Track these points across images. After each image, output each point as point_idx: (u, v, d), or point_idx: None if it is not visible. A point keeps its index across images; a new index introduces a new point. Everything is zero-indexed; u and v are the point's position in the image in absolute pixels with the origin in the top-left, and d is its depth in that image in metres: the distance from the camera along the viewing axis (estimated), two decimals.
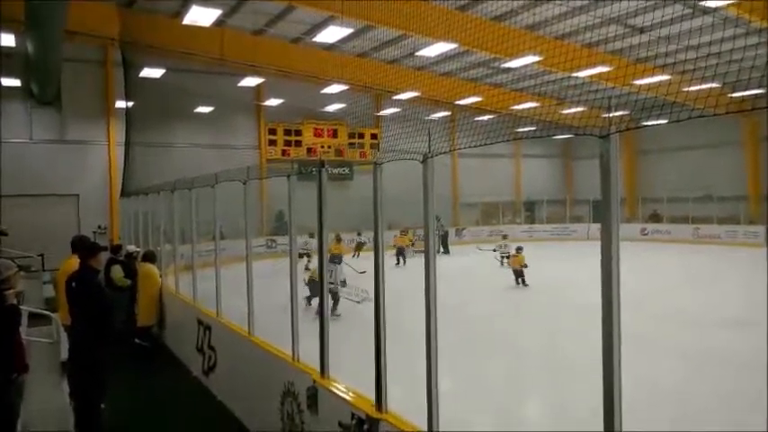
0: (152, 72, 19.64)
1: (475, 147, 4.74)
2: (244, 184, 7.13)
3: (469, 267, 19.85)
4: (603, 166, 3.22)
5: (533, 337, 9.79)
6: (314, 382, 5.21)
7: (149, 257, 10.67)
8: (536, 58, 19.51)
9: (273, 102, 25.35)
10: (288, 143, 27.22)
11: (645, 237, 28.82)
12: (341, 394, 4.85)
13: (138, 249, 11.85)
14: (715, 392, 6.94)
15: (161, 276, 10.75)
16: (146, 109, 19.50)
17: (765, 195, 21.18)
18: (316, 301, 11.14)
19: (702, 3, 15.25)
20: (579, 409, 6.05)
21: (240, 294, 7.07)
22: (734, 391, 6.88)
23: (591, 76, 21.76)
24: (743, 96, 4.06)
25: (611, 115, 20.27)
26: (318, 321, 5.32)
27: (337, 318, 10.34)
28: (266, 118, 26.76)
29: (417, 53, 20.78)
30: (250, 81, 22.68)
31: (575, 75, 22.36)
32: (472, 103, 26.02)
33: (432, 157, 4.39)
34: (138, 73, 18.76)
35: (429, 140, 4.50)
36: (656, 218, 30.63)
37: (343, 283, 11.58)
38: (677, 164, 31.07)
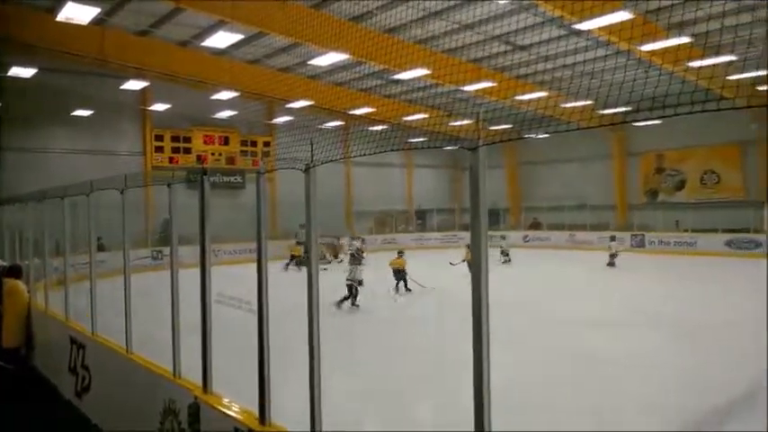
0: (21, 71, 18.09)
1: (360, 156, 4.81)
2: (121, 193, 6.75)
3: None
4: (472, 177, 3.38)
5: (413, 339, 10.00)
6: (195, 398, 5.02)
7: (14, 272, 9.76)
8: (426, 72, 20.17)
9: (160, 107, 24.23)
10: (176, 150, 26.08)
11: (527, 243, 30.60)
12: (223, 409, 4.71)
13: (3, 264, 10.81)
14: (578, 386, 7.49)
15: (29, 293, 9.87)
16: (15, 111, 17.90)
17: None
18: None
19: (575, 25, 16.51)
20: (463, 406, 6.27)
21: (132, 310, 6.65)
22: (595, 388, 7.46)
23: (477, 91, 22.88)
24: (613, 113, 4.45)
25: (494, 128, 21.38)
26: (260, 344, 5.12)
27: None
28: (153, 123, 25.50)
29: (310, 62, 20.77)
30: (134, 84, 21.49)
31: (462, 88, 23.41)
32: (365, 114, 26.39)
33: (314, 166, 4.40)
34: (6, 72, 17.20)
35: (312, 150, 4.51)
36: (536, 225, 32.66)
37: (360, 283, 13.33)
38: (556, 175, 33.39)
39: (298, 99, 25.61)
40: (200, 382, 5.22)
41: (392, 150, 4.37)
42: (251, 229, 5.15)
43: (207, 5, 16.41)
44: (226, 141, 27.75)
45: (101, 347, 7.10)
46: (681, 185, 29.28)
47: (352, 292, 13.25)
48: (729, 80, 16.80)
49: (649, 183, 30.48)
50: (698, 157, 28.47)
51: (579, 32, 17.89)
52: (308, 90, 24.67)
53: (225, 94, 23.33)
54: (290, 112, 27.50)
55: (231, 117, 26.44)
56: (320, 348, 4.18)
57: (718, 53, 16.96)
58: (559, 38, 19.23)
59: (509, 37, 19.65)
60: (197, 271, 5.37)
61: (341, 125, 27.31)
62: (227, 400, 4.98)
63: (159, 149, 25.62)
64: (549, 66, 21.68)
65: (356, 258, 14.14)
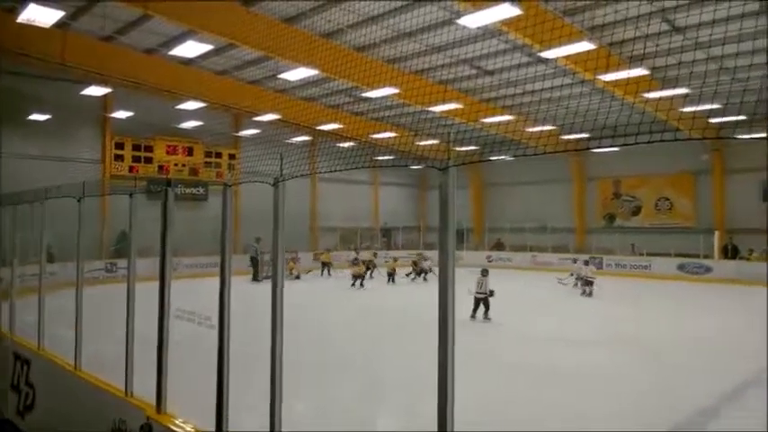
0: None
1: (330, 172, 4.77)
2: (78, 201, 6.52)
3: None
4: (442, 197, 3.40)
5: (380, 354, 9.93)
6: (148, 418, 4.83)
7: None
8: (394, 91, 20.34)
9: (122, 114, 23.70)
10: (137, 159, 25.47)
11: (490, 263, 30.86)
12: (178, 430, 4.55)
13: None
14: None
15: None
16: None
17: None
18: None
19: (540, 53, 16.93)
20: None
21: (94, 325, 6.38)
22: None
23: (444, 112, 23.18)
24: (578, 138, 4.52)
25: (461, 149, 21.60)
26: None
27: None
28: (113, 131, 24.90)
29: (280, 76, 20.69)
30: (96, 90, 20.96)
31: (430, 109, 23.68)
32: (333, 129, 26.40)
33: (283, 180, 4.35)
34: None
35: (281, 164, 4.46)
36: (499, 246, 33.04)
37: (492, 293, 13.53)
38: (518, 197, 33.98)
39: (266, 112, 25.45)
40: (153, 401, 5.04)
41: (362, 168, 4.35)
42: (212, 243, 5.04)
43: (177, 14, 16.20)
44: (189, 152, 27.28)
45: (47, 364, 6.80)
46: (637, 211, 30.14)
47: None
48: (684, 112, 17.42)
49: (607, 207, 31.29)
50: (653, 184, 29.40)
51: (544, 60, 18.35)
52: (276, 104, 24.53)
53: (191, 104, 23.00)
54: (258, 125, 27.28)
55: (196, 128, 26.06)
56: (282, 358, 4.21)
57: (675, 86, 17.63)
58: (526, 65, 19.69)
59: (477, 61, 20.00)
60: (153, 284, 5.20)
61: (309, 140, 27.21)
62: (181, 420, 4.81)
63: (119, 158, 24.99)
64: (515, 91, 22.14)
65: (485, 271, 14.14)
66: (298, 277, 23.73)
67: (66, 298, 6.95)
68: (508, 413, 6.97)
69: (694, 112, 18.69)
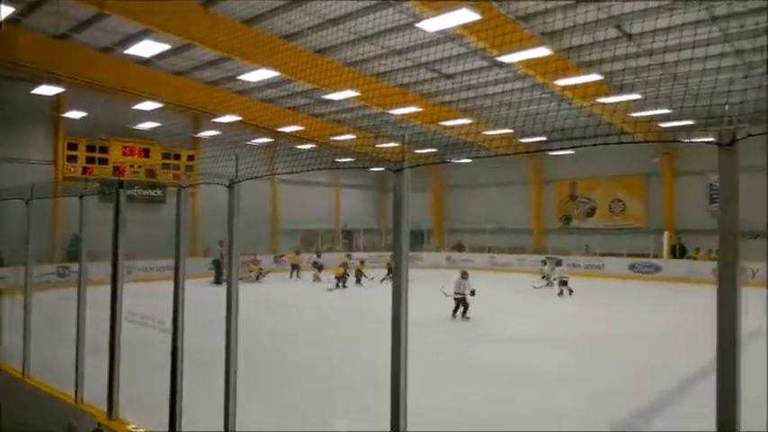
0: None
1: (286, 173, 4.79)
2: (27, 203, 6.35)
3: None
4: (396, 198, 3.46)
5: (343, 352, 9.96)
6: (99, 424, 4.75)
7: None
8: (354, 93, 20.38)
9: (75, 114, 23.03)
10: (91, 160, 24.79)
11: (450, 264, 31.23)
12: None
13: None
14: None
15: None
16: None
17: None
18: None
19: (497, 58, 17.25)
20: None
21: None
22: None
23: (403, 115, 23.36)
24: (534, 142, 4.66)
25: (420, 151, 21.81)
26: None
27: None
28: (66, 131, 24.18)
29: (239, 77, 20.48)
30: (47, 89, 20.29)
31: (389, 112, 23.82)
32: (293, 131, 26.26)
33: (238, 182, 4.35)
34: None
35: (236, 165, 4.46)
36: (459, 247, 33.45)
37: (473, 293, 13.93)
38: (477, 199, 34.49)
39: (225, 113, 25.13)
40: (104, 406, 4.96)
41: (317, 169, 4.38)
42: (170, 246, 5.00)
43: (132, 13, 15.87)
44: (146, 153, 26.71)
45: None
46: (591, 212, 30.98)
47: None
48: (633, 116, 18.05)
49: (563, 209, 32.05)
50: (606, 186, 30.29)
51: (501, 65, 18.70)
52: (235, 105, 24.27)
53: (147, 105, 22.53)
54: (217, 126, 26.91)
55: (153, 129, 25.54)
56: (237, 359, 4.23)
57: (628, 91, 18.24)
58: (484, 69, 20.02)
59: (435, 65, 20.24)
60: (107, 288, 5.12)
61: (269, 142, 26.98)
62: (133, 425, 4.75)
63: (72, 159, 24.27)
64: (473, 94, 22.48)
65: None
66: (258, 278, 23.55)
67: (18, 303, 6.76)
68: (483, 413, 7.07)
69: (650, 116, 19.43)
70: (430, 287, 13.36)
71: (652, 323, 14.21)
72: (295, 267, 25.65)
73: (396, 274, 3.53)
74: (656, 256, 25.90)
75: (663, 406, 7.32)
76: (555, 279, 19.50)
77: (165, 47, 17.60)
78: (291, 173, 4.41)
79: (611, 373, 9.10)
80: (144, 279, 18.44)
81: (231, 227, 4.45)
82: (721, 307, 2.66)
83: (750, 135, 2.56)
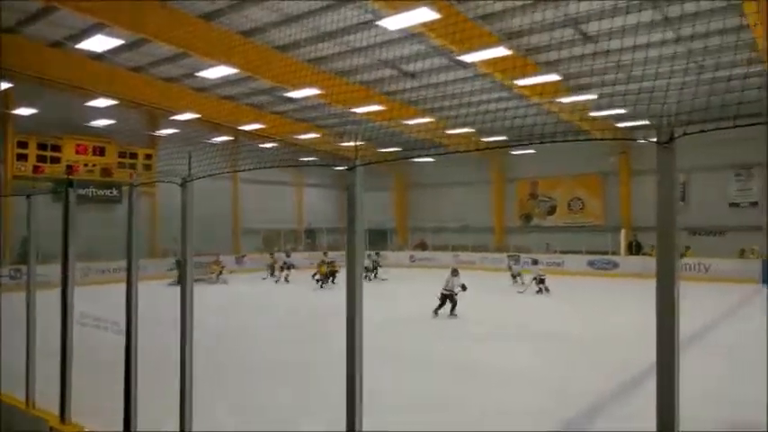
0: None
1: (240, 171, 4.75)
2: None
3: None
4: (350, 196, 3.47)
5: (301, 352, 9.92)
6: (51, 428, 4.63)
7: None
8: (316, 91, 20.29)
9: (25, 111, 22.26)
10: (42, 159, 23.98)
11: (413, 263, 31.44)
12: None
13: None
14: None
15: None
16: None
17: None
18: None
19: (459, 57, 17.44)
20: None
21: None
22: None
23: (367, 113, 23.37)
24: (498, 141, 4.71)
25: (384, 150, 21.83)
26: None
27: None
28: (15, 129, 23.34)
29: (198, 74, 20.12)
30: None
31: (352, 110, 23.80)
32: (254, 130, 25.98)
33: (191, 180, 4.29)
34: None
35: (189, 164, 4.39)
36: (423, 246, 33.68)
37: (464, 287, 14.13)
38: (441, 198, 34.79)
39: (183, 111, 24.66)
40: (56, 410, 4.83)
41: (271, 167, 4.36)
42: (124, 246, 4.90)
43: (82, 6, 15.41)
44: (101, 152, 25.99)
45: None
46: (552, 210, 31.62)
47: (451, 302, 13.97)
48: (591, 116, 18.50)
49: (524, 207, 32.62)
50: (566, 184, 30.96)
51: (463, 64, 18.89)
52: (194, 102, 23.84)
53: (102, 102, 21.94)
54: (176, 124, 26.39)
55: (108, 126, 24.88)
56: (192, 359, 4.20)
57: (588, 91, 18.67)
58: (446, 68, 20.18)
59: (398, 63, 20.31)
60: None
61: (229, 140, 26.61)
62: (87, 429, 4.64)
63: (22, 157, 23.45)
64: (434, 93, 22.65)
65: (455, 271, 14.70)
66: (220, 275, 23.25)
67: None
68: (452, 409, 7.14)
69: (606, 116, 19.89)
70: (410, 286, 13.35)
71: (622, 321, 14.26)
72: (272, 267, 25.00)
73: (350, 273, 3.53)
74: (613, 253, 26.58)
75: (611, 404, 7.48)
76: (534, 278, 19.32)
77: (118, 42, 17.15)
78: (244, 170, 4.38)
79: (578, 371, 9.26)
80: (101, 282, 17.94)
81: (185, 226, 4.38)
82: (660, 302, 2.74)
83: (686, 134, 2.66)
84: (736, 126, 2.77)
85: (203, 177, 4.21)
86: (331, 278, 21.38)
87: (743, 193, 26.06)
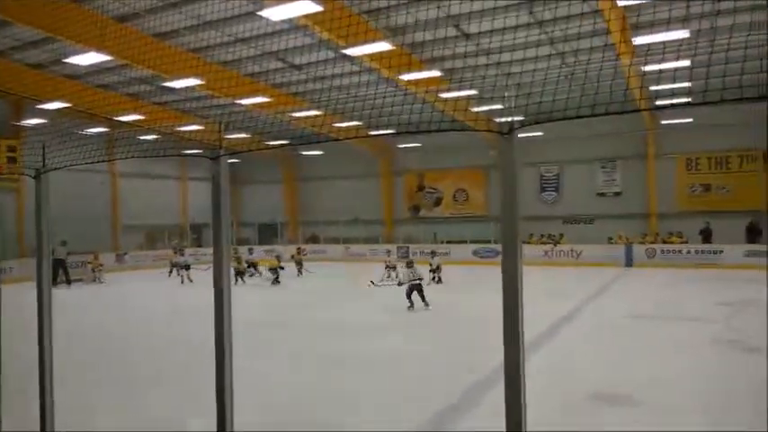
0: None
1: (98, 162, 4.55)
2: None
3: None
4: (214, 187, 3.45)
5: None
6: None
7: None
8: (199, 81, 19.57)
9: None
10: None
11: (304, 256, 31.25)
12: None
13: None
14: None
15: None
16: None
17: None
18: None
19: (343, 50, 17.56)
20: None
21: None
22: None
23: (253, 105, 22.90)
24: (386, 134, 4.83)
25: (271, 143, 21.45)
26: None
27: None
28: None
29: (67, 60, 18.66)
30: None
31: (238, 102, 23.21)
32: (133, 121, 24.55)
33: (45, 172, 4.06)
34: None
35: (44, 154, 4.15)
36: (314, 239, 33.64)
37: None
38: (332, 191, 34.91)
39: (52, 100, 22.76)
40: None
41: (133, 158, 4.22)
42: None
43: None
44: None
45: None
46: (438, 202, 32.83)
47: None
48: (472, 111, 19.38)
49: (412, 199, 33.58)
50: (452, 177, 32.26)
51: (349, 57, 19.05)
52: (64, 90, 22.08)
53: None
54: (44, 113, 24.30)
55: None
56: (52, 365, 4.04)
57: (470, 87, 19.51)
58: (331, 60, 20.23)
59: (284, 55, 20.08)
60: None
61: (105, 131, 24.95)
62: None
63: None
64: (322, 86, 22.66)
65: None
66: (94, 271, 21.89)
67: None
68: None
69: (488, 111, 20.92)
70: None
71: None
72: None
73: (216, 268, 3.51)
74: (496, 242, 28.06)
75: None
76: (435, 267, 19.50)
77: None
78: (104, 161, 4.21)
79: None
80: None
81: (40, 222, 4.14)
82: (505, 284, 2.92)
83: (522, 125, 2.93)
84: (569, 118, 3.10)
85: (59, 169, 3.99)
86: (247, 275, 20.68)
87: (608, 183, 28.55)
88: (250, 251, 23.21)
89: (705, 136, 25.39)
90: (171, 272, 22.54)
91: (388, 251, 23.77)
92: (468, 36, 17.89)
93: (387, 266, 20.92)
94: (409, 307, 13.66)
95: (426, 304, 13.62)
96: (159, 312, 15.03)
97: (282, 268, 20.21)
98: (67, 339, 8.01)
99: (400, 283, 14.22)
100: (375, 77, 20.67)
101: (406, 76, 18.93)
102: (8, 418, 4.61)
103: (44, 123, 24.59)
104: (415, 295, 13.57)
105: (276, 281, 19.90)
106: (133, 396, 7.31)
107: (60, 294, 15.64)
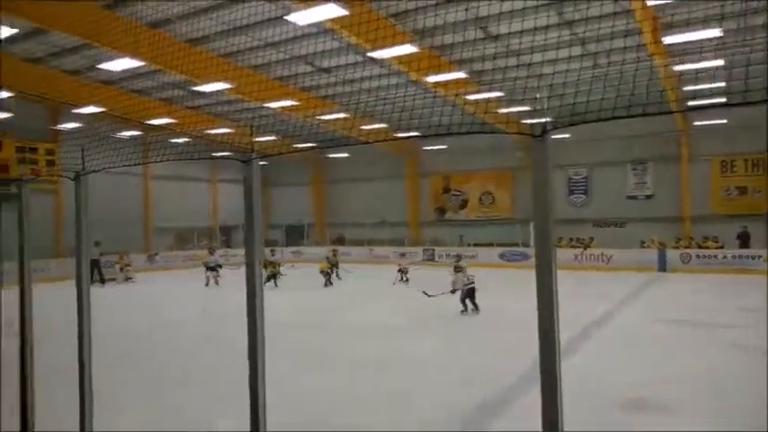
0: None
1: (135, 165, 4.67)
2: None
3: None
4: (246, 190, 3.50)
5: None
6: None
7: None
8: (229, 85, 19.86)
9: None
10: None
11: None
12: None
13: None
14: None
15: None
16: None
17: None
18: None
19: (370, 53, 17.62)
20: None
21: None
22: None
23: (281, 108, 23.12)
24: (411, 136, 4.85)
25: (300, 145, 21.63)
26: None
27: None
28: None
29: (102, 66, 19.12)
30: None
31: (267, 105, 23.46)
32: (165, 124, 25.03)
33: (84, 174, 4.17)
34: None
35: (83, 157, 4.26)
36: (340, 240, 33.76)
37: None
38: (358, 193, 35.05)
39: (88, 104, 23.34)
40: None
41: (161, 161, 4.30)
42: (36, 245, 4.68)
43: None
44: None
45: None
46: (464, 204, 32.66)
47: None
48: (501, 113, 19.26)
49: (438, 201, 33.48)
50: (477, 179, 32.05)
51: (377, 61, 19.10)
52: (99, 95, 22.63)
53: None
54: (79, 117, 24.94)
55: (4, 120, 23.20)
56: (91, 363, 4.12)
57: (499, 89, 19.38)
58: (359, 64, 20.32)
59: (312, 58, 20.23)
60: None
61: (138, 135, 25.48)
62: None
63: None
64: (350, 89, 22.77)
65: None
66: (122, 271, 22.38)
67: None
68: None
69: (518, 112, 20.76)
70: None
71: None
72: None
73: (249, 271, 3.53)
74: (523, 245, 27.74)
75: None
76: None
77: (12, 31, 16.01)
78: (139, 164, 4.30)
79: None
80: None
81: (79, 223, 4.25)
82: (540, 289, 2.86)
83: (555, 128, 2.90)
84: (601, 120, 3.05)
85: (97, 171, 4.09)
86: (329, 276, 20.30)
87: (639, 186, 28.03)
88: (272, 252, 23.25)
89: (741, 137, 24.73)
90: (207, 282, 20.90)
91: (402, 254, 23.50)
92: (496, 37, 17.78)
93: (399, 270, 20.83)
94: (462, 311, 13.61)
95: (476, 308, 13.61)
96: (189, 313, 15.28)
97: (283, 274, 20.05)
98: (101, 339, 8.19)
99: (454, 291, 13.96)
100: (404, 80, 20.68)
101: (432, 78, 18.88)
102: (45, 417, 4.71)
103: (80, 127, 25.23)
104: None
105: (329, 282, 19.97)
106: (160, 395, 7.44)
107: (94, 293, 15.98)
